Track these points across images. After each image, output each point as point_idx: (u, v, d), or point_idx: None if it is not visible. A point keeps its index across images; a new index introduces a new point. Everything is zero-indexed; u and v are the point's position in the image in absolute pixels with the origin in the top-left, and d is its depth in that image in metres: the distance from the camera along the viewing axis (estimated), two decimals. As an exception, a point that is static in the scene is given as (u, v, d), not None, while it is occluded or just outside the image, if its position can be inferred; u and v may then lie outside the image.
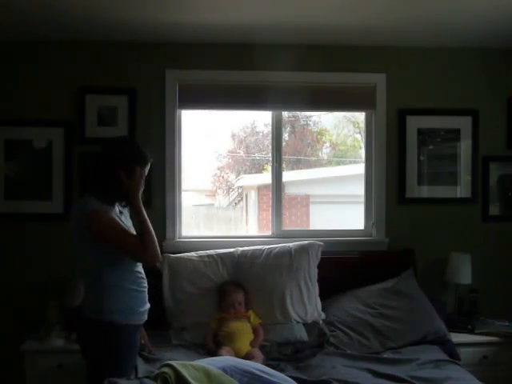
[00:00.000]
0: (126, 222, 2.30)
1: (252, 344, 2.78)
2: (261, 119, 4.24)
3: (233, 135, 4.51)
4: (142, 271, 2.32)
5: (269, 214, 3.68)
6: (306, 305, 3.02)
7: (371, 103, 3.50)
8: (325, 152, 4.68)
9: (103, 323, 2.14)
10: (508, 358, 3.08)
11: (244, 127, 4.53)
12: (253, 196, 4.68)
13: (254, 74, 3.40)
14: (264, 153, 4.40)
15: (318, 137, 4.49)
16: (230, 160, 4.58)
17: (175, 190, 3.40)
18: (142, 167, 2.24)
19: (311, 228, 4.34)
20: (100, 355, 2.16)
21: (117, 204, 2.29)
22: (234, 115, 4.07)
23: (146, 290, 2.33)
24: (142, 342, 2.55)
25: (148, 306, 2.33)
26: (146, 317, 2.32)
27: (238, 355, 2.62)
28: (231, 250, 3.17)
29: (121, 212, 2.29)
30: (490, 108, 3.54)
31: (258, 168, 4.55)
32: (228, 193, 4.80)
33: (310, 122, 4.41)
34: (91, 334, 2.18)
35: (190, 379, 1.95)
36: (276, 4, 2.78)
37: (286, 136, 4.03)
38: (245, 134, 4.57)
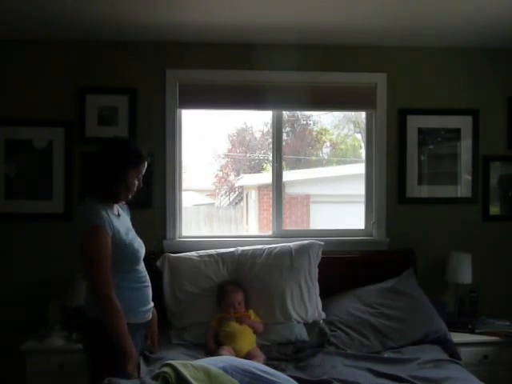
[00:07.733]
0: (124, 223, 2.29)
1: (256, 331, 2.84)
2: (259, 119, 4.24)
3: (231, 135, 4.51)
4: (143, 269, 2.30)
5: (269, 214, 3.68)
6: (307, 304, 3.02)
7: (371, 103, 3.50)
8: (325, 152, 4.68)
9: (102, 322, 2.13)
10: (508, 357, 3.08)
11: (242, 127, 4.53)
12: (253, 196, 4.69)
13: (254, 73, 3.40)
14: (263, 152, 4.40)
15: (318, 136, 4.49)
16: (230, 160, 4.59)
17: (175, 189, 3.39)
18: (137, 166, 2.21)
19: (311, 228, 4.35)
20: (101, 354, 2.15)
21: (117, 205, 2.28)
22: (234, 115, 4.07)
23: (149, 288, 2.31)
24: (149, 341, 2.48)
25: (151, 305, 2.32)
26: (148, 316, 2.31)
27: (238, 355, 2.61)
28: (231, 249, 3.17)
29: (119, 215, 2.28)
30: (490, 108, 3.54)
31: (257, 168, 4.56)
32: (228, 192, 4.80)
33: (310, 122, 4.41)
34: (92, 333, 2.17)
35: (190, 379, 1.94)
36: (276, 4, 2.78)
37: (285, 136, 4.03)
38: (244, 133, 4.57)
